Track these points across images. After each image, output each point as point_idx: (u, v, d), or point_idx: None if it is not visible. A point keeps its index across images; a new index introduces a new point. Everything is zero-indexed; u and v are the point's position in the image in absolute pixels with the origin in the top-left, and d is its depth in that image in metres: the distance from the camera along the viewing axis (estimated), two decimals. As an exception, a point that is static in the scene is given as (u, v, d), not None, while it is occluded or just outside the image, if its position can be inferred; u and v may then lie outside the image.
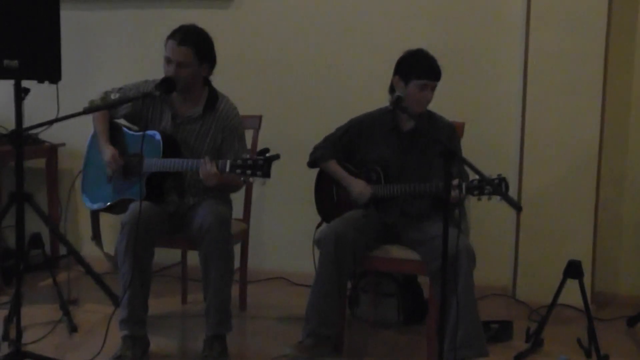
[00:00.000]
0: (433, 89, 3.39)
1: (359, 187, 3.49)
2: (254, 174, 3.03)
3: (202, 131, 3.56)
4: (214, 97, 3.59)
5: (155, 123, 3.57)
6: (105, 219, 3.96)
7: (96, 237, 3.93)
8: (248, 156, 3.08)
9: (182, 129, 3.55)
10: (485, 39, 4.35)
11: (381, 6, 4.47)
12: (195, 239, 3.37)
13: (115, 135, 3.65)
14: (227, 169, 3.11)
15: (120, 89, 3.64)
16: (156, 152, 3.41)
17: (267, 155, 3.03)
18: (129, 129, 3.70)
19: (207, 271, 3.33)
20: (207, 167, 3.21)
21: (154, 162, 3.39)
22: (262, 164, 3.02)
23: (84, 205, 3.79)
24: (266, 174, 3.02)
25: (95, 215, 3.88)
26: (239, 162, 3.06)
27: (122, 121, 3.72)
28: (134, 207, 3.30)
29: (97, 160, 3.66)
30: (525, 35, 4.18)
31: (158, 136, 3.44)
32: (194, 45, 3.44)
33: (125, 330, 3.32)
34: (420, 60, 3.40)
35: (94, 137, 3.73)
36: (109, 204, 3.63)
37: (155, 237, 3.38)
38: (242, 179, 3.14)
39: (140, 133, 3.55)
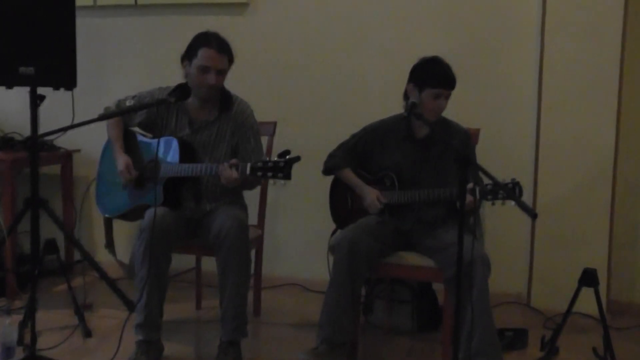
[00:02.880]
0: (447, 97, 3.38)
1: (371, 197, 3.48)
2: (274, 176, 3.03)
3: (219, 134, 3.57)
4: (227, 99, 3.59)
5: (171, 130, 3.57)
6: (119, 227, 3.98)
7: (109, 245, 3.95)
8: (268, 158, 3.08)
9: (200, 134, 3.56)
10: (500, 45, 4.33)
11: (396, 12, 4.46)
12: (213, 245, 3.37)
13: (129, 142, 3.66)
14: (248, 172, 3.11)
15: (134, 96, 3.65)
16: (173, 158, 3.42)
17: (288, 157, 3.02)
18: (144, 136, 3.71)
19: (224, 277, 3.33)
20: (227, 173, 3.21)
21: (171, 167, 3.40)
22: (283, 166, 3.01)
23: (99, 213, 3.81)
24: (287, 176, 3.02)
25: (108, 222, 3.89)
26: (260, 164, 3.06)
27: (136, 129, 3.74)
28: (152, 212, 3.31)
29: (111, 168, 3.66)
30: (541, 41, 4.17)
31: (175, 142, 3.44)
32: (228, 52, 3.47)
33: (140, 335, 3.33)
34: (434, 68, 3.38)
35: (108, 144, 3.75)
36: (125, 210, 3.64)
37: (173, 243, 3.38)
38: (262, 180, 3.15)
39: (155, 140, 3.57)
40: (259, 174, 3.06)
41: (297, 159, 3.04)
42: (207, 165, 3.33)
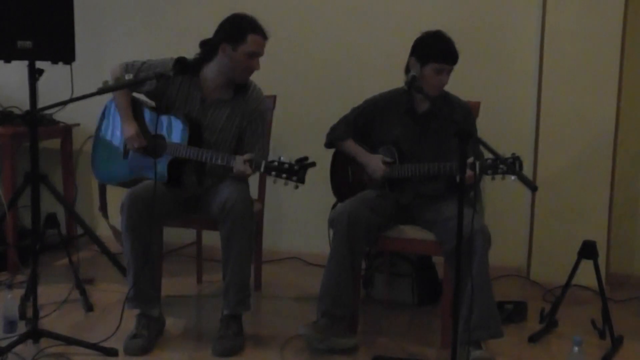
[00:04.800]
0: (449, 73, 3.36)
1: (374, 162, 3.48)
2: (289, 178, 3.05)
3: (231, 115, 3.55)
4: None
5: (181, 104, 3.53)
6: (115, 191, 3.95)
7: (103, 208, 3.94)
8: (283, 159, 3.08)
9: (211, 112, 3.54)
10: (502, 18, 4.31)
11: (396, -15, 4.44)
12: (216, 218, 3.36)
13: (135, 113, 3.61)
14: (262, 170, 3.12)
15: (143, 63, 3.57)
16: (181, 138, 3.40)
17: (305, 162, 3.04)
18: (148, 107, 3.66)
19: (228, 249, 3.33)
20: (241, 168, 3.22)
21: (181, 148, 3.38)
22: (298, 169, 3.03)
23: (95, 179, 3.79)
24: (301, 180, 3.05)
25: (103, 186, 3.88)
26: (275, 164, 3.07)
27: (142, 98, 3.69)
28: (134, 187, 3.33)
29: (112, 135, 3.63)
30: (542, 14, 4.15)
31: (183, 121, 3.42)
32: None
33: (134, 308, 3.35)
34: (437, 43, 3.35)
35: (107, 109, 3.72)
36: (124, 181, 3.64)
37: (159, 216, 3.37)
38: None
39: (162, 115, 3.53)
40: (273, 173, 3.07)
41: (313, 164, 3.06)
42: (220, 155, 3.31)
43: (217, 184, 3.51)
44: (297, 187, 3.07)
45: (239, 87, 3.56)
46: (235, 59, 3.42)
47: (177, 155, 3.40)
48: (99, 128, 3.80)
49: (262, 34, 3.43)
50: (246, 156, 3.24)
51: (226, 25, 3.45)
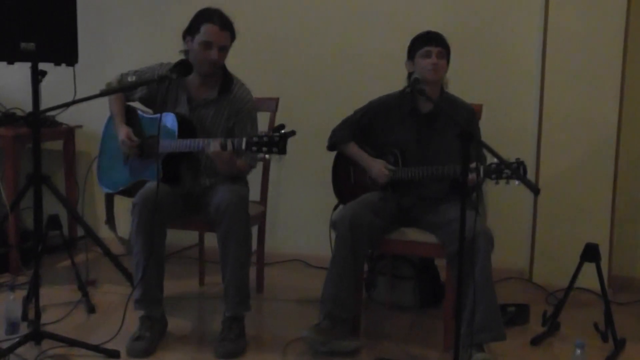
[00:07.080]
0: (441, 56, 3.39)
1: (377, 167, 3.48)
2: (270, 151, 3.03)
3: (217, 114, 3.56)
4: (228, 80, 3.59)
5: (171, 106, 3.56)
6: (120, 203, 3.97)
7: (110, 221, 3.95)
8: (263, 133, 3.08)
9: (198, 113, 3.55)
10: (504, 20, 4.31)
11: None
12: (213, 219, 3.37)
13: (130, 118, 3.65)
14: (243, 147, 3.11)
15: (135, 71, 3.64)
16: (172, 134, 3.41)
17: (283, 131, 3.03)
18: (144, 112, 3.70)
19: (225, 251, 3.33)
20: (215, 147, 3.22)
21: (168, 143, 3.40)
22: (278, 140, 3.01)
23: (101, 189, 3.81)
24: (282, 151, 3.02)
25: (109, 199, 3.90)
26: (255, 139, 3.06)
27: (136, 105, 3.72)
28: (145, 187, 3.34)
29: (113, 144, 3.66)
30: (544, 16, 4.14)
31: (174, 118, 3.44)
32: (231, 28, 3.47)
33: (140, 310, 3.35)
34: (419, 35, 3.45)
35: (110, 120, 3.74)
36: (125, 186, 3.65)
37: (167, 217, 3.39)
38: (258, 156, 3.14)
39: (156, 115, 3.56)
40: (254, 148, 3.06)
41: (292, 133, 3.04)
42: (201, 140, 3.33)
43: (215, 185, 3.52)
44: (280, 159, 3.06)
45: (223, 86, 3.57)
46: (194, 51, 3.46)
47: (169, 150, 3.41)
48: (102, 140, 3.83)
49: (218, 23, 3.42)
50: (221, 139, 3.25)
51: (190, 21, 3.49)
